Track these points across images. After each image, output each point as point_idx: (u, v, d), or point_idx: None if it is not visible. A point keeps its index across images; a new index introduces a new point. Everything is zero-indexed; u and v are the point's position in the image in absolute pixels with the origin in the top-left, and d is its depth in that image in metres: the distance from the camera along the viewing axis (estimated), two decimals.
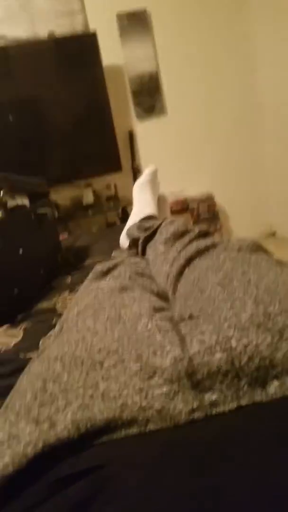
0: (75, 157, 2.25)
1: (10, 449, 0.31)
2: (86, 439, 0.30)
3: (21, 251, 1.00)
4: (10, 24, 2.17)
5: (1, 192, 1.04)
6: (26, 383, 0.40)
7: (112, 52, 2.27)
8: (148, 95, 2.42)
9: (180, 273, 0.56)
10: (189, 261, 0.57)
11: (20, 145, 2.13)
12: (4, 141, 2.10)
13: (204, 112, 2.53)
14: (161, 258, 0.67)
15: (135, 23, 2.30)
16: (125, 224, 1.21)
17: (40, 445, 0.30)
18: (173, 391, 0.31)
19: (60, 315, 0.85)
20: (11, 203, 1.06)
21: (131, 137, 2.45)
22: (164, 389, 0.32)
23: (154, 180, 1.06)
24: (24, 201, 1.10)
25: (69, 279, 1.11)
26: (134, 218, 1.00)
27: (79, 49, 2.11)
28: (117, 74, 2.35)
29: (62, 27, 2.21)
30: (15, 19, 2.17)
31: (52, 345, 0.49)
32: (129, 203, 2.32)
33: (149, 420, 0.31)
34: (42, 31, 2.20)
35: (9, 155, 2.07)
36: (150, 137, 2.49)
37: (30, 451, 0.30)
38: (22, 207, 1.09)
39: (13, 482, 0.30)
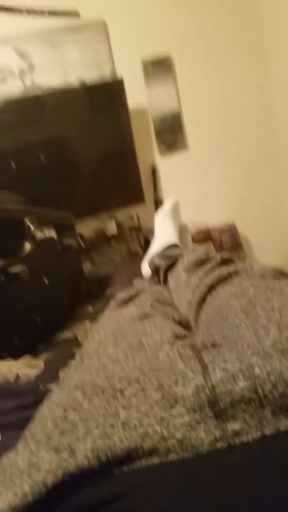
0: (101, 191, 2.34)
1: (30, 478, 0.31)
2: (107, 468, 0.29)
3: (46, 281, 1.02)
4: (45, 75, 2.36)
5: (32, 226, 1.08)
6: (46, 411, 0.40)
7: (138, 95, 2.42)
8: (171, 132, 2.53)
9: (203, 300, 0.56)
10: (211, 288, 0.56)
11: (51, 182, 2.24)
12: (36, 179, 2.22)
13: (223, 146, 2.60)
14: (183, 286, 0.67)
15: (159, 68, 2.47)
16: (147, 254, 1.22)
17: (60, 474, 0.30)
18: (195, 421, 0.30)
19: (80, 345, 0.85)
20: (39, 235, 1.10)
21: (153, 171, 2.53)
22: (186, 418, 0.31)
23: (175, 210, 1.07)
24: (52, 233, 1.14)
25: (90, 309, 1.11)
26: (155, 247, 1.01)
27: (108, 94, 2.26)
28: (142, 114, 2.48)
29: (92, 75, 2.38)
30: (50, 70, 2.36)
31: (73, 373, 0.48)
32: (151, 233, 2.35)
33: (170, 450, 0.29)
34: (73, 80, 2.37)
35: (40, 191, 2.18)
36: (172, 171, 2.57)
37: (49, 480, 0.30)
38: (50, 239, 1.12)
39: (32, 510, 0.29)
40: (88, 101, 2.24)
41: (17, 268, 0.95)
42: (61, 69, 2.37)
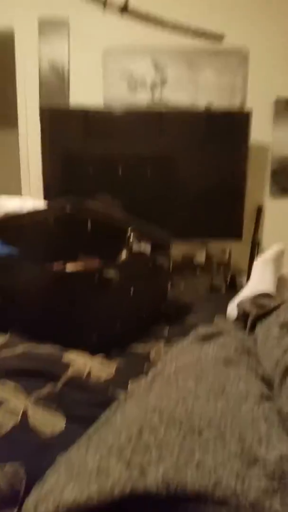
0: (199, 218, 2.35)
1: (97, 483, 0.32)
2: (173, 502, 0.30)
3: (131, 292, 1.06)
4: (175, 92, 2.43)
5: (132, 236, 1.14)
6: (120, 423, 0.42)
7: (262, 131, 2.38)
8: (287, 175, 2.45)
9: None
10: None
11: (152, 198, 2.32)
12: (139, 191, 2.31)
13: None
14: (274, 342, 0.65)
15: None
16: (231, 293, 1.20)
17: (128, 489, 0.31)
18: (272, 489, 0.29)
19: (151, 362, 0.86)
20: (135, 248, 1.15)
21: (259, 211, 2.47)
22: (263, 483, 0.30)
23: (279, 259, 1.04)
24: (147, 248, 1.18)
25: (166, 331, 1.12)
26: (248, 291, 0.99)
27: (231, 125, 2.26)
28: (262, 151, 2.44)
29: (221, 101, 2.40)
30: (181, 88, 2.43)
31: (149, 393, 0.50)
32: (240, 273, 2.29)
33: (240, 508, 0.29)
34: (202, 101, 2.39)
35: (140, 204, 2.26)
36: (280, 216, 2.48)
37: (117, 491, 0.31)
38: (144, 254, 1.17)
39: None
40: (209, 127, 2.26)
41: (110, 273, 1.00)
42: (192, 89, 2.42)
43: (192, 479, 0.31)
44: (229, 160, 2.29)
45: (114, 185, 2.29)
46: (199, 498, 0.29)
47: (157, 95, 2.43)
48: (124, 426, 0.40)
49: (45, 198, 2.19)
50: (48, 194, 2.25)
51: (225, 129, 2.26)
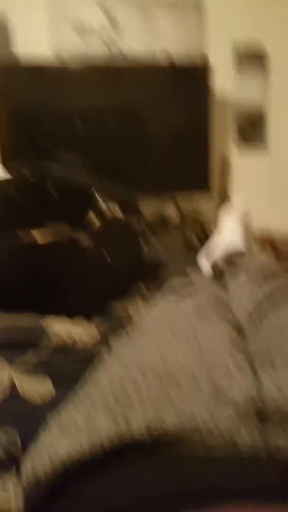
0: (166, 171, 2.32)
1: (88, 437, 0.34)
2: (157, 447, 0.33)
3: (106, 255, 1.08)
4: (128, 38, 2.32)
5: (99, 198, 1.13)
6: (106, 380, 0.44)
7: (224, 80, 2.34)
8: (252, 128, 2.44)
9: (263, 313, 0.57)
10: (274, 303, 0.57)
11: (116, 153, 2.26)
12: (102, 147, 2.24)
13: None
14: (243, 291, 0.69)
15: (251, 59, 2.36)
16: (204, 246, 1.23)
17: (117, 441, 0.34)
18: (240, 421, 0.33)
19: (132, 320, 0.89)
20: (104, 210, 1.14)
21: (225, 163, 2.48)
22: (233, 417, 0.33)
23: (245, 212, 1.07)
24: (118, 212, 1.18)
25: (143, 290, 1.16)
26: (218, 245, 1.02)
27: (192, 75, 2.21)
28: (225, 103, 2.41)
29: (177, 47, 2.31)
30: (134, 34, 2.31)
31: (130, 349, 0.52)
32: (211, 226, 2.33)
33: (214, 444, 0.32)
34: (156, 47, 2.30)
35: (104, 160, 2.19)
36: (246, 168, 2.49)
37: (107, 444, 0.33)
38: (116, 217, 1.17)
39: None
40: (171, 78, 2.19)
41: (83, 241, 1.00)
42: (145, 35, 2.31)
43: (172, 422, 0.34)
44: (192, 111, 2.25)
45: (75, 142, 2.20)
46: (178, 439, 0.33)
47: (108, 42, 2.30)
48: (109, 384, 0.42)
49: (2, 162, 2.10)
50: (4, 158, 2.14)
51: (189, 82, 2.21)
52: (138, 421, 0.34)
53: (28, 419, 0.53)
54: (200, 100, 2.22)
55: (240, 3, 2.31)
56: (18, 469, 0.43)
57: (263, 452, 0.31)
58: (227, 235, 1.03)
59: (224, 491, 0.28)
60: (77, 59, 2.18)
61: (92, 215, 1.11)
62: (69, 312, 0.91)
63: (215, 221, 2.36)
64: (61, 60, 2.23)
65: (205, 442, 0.33)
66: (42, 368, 0.65)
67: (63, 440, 0.35)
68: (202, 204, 2.44)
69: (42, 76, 2.14)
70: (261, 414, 0.33)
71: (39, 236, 1.03)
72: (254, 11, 2.32)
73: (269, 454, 0.31)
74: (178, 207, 2.44)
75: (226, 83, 2.37)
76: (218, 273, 0.89)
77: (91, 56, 2.26)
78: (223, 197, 2.44)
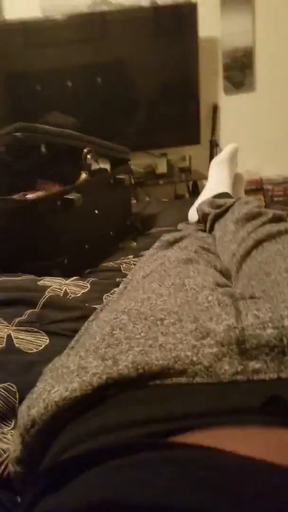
0: (155, 125, 2.26)
1: (78, 377, 0.37)
2: (143, 380, 0.35)
3: (96, 211, 1.07)
4: None
5: (89, 155, 1.10)
6: (95, 327, 0.46)
7: (210, 23, 2.20)
8: (240, 70, 2.33)
9: (248, 253, 0.58)
10: (258, 243, 0.58)
11: (105, 108, 2.19)
12: (91, 102, 2.17)
13: None
14: (230, 237, 0.69)
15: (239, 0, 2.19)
16: (194, 198, 1.23)
17: (104, 377, 0.36)
18: (221, 353, 0.35)
19: (123, 275, 0.91)
20: (94, 166, 1.12)
21: (214, 111, 2.39)
22: (214, 349, 0.35)
23: (233, 159, 1.05)
24: (106, 165, 1.16)
25: (134, 244, 1.17)
26: (207, 193, 1.02)
27: (178, 18, 2.07)
28: (211, 46, 2.28)
29: None
30: None
31: (120, 300, 0.54)
32: (201, 177, 2.30)
33: (197, 374, 0.35)
34: None
35: (94, 116, 2.14)
36: (234, 113, 2.42)
37: (95, 381, 0.36)
38: (104, 171, 1.15)
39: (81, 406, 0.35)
40: (156, 24, 2.08)
41: (72, 195, 0.99)
42: None
43: (157, 358, 0.36)
44: (180, 57, 2.15)
45: (65, 99, 2.14)
46: (163, 372, 0.35)
47: None
48: (98, 330, 0.44)
49: None
50: None
51: (173, 24, 2.09)
52: (125, 358, 0.36)
53: (24, 370, 0.56)
54: (187, 44, 2.11)
55: None
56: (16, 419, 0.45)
57: (242, 376, 0.34)
58: (214, 180, 1.02)
59: (207, 414, 0.30)
60: (62, 13, 2.05)
61: (83, 175, 1.10)
62: (63, 271, 0.93)
63: (206, 174, 2.33)
64: (47, 15, 2.10)
65: (187, 373, 0.35)
66: (36, 321, 0.67)
67: (56, 384, 0.37)
68: (193, 157, 2.39)
69: (27, 32, 2.02)
70: (241, 342, 0.35)
71: (32, 196, 1.03)
72: None
73: (248, 378, 0.34)
74: (168, 161, 2.40)
75: (213, 26, 2.24)
76: (203, 216, 0.90)
77: (75, 7, 2.13)
78: (213, 148, 2.39)
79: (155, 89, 2.22)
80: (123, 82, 2.18)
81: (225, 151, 1.07)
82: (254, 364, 0.34)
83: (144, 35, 2.11)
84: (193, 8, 2.04)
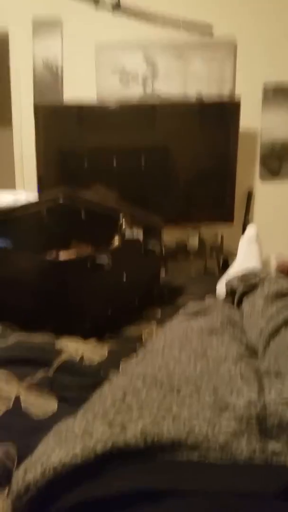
0: (191, 203, 2.38)
1: (82, 443, 0.34)
2: (151, 452, 0.32)
3: (124, 278, 1.08)
4: (166, 83, 2.46)
5: (124, 223, 1.15)
6: (107, 391, 0.44)
7: (252, 117, 2.40)
8: (277, 159, 2.47)
9: (276, 331, 0.55)
10: (285, 320, 0.55)
11: (146, 184, 2.34)
12: (134, 179, 2.33)
13: None
14: (258, 313, 0.67)
15: (280, 94, 2.42)
16: (223, 275, 1.22)
17: (109, 445, 0.33)
18: (240, 431, 0.32)
19: (144, 343, 0.88)
20: (128, 234, 1.16)
21: (249, 195, 2.50)
22: (232, 426, 0.32)
23: (259, 241, 1.05)
24: (139, 234, 1.19)
25: (159, 313, 1.14)
26: (236, 269, 1.01)
27: (221, 114, 2.29)
28: (251, 138, 2.46)
29: (211, 91, 2.42)
30: (172, 79, 2.45)
31: (137, 364, 0.51)
32: (232, 256, 2.31)
33: (211, 451, 0.31)
34: (192, 92, 2.40)
35: (135, 191, 2.27)
36: (269, 198, 2.51)
37: (99, 448, 0.33)
38: (136, 239, 1.18)
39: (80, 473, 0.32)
40: (201, 117, 2.30)
41: (102, 259, 1.01)
42: (182, 80, 2.44)
43: (168, 430, 0.32)
44: (220, 147, 2.33)
45: (109, 176, 2.32)
46: (174, 446, 0.31)
47: (148, 87, 2.46)
48: (110, 394, 0.41)
49: (39, 192, 2.22)
50: (42, 188, 2.28)
51: (216, 118, 2.31)
52: (134, 426, 0.33)
53: (27, 433, 0.52)
54: (228, 136, 2.30)
55: (269, 44, 2.40)
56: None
57: (260, 458, 0.30)
58: (243, 257, 1.02)
59: (217, 494, 0.26)
60: (116, 100, 2.32)
61: (116, 240, 1.13)
62: (85, 332, 0.91)
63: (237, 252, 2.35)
64: (101, 101, 2.38)
65: (200, 448, 0.31)
66: (48, 384, 0.64)
67: (57, 448, 0.34)
68: (226, 235, 2.44)
69: (82, 114, 2.29)
70: (262, 419, 0.31)
71: (64, 255, 1.06)
72: (284, 52, 2.40)
73: (266, 460, 0.29)
74: (201, 237, 2.45)
75: (254, 118, 2.43)
76: (232, 291, 0.88)
77: (128, 97, 2.41)
78: (245, 228, 2.43)
79: (195, 172, 2.37)
80: (166, 165, 2.36)
81: (250, 230, 1.08)
82: (274, 445, 0.30)
83: (188, 127, 2.32)
84: (236, 107, 2.24)
